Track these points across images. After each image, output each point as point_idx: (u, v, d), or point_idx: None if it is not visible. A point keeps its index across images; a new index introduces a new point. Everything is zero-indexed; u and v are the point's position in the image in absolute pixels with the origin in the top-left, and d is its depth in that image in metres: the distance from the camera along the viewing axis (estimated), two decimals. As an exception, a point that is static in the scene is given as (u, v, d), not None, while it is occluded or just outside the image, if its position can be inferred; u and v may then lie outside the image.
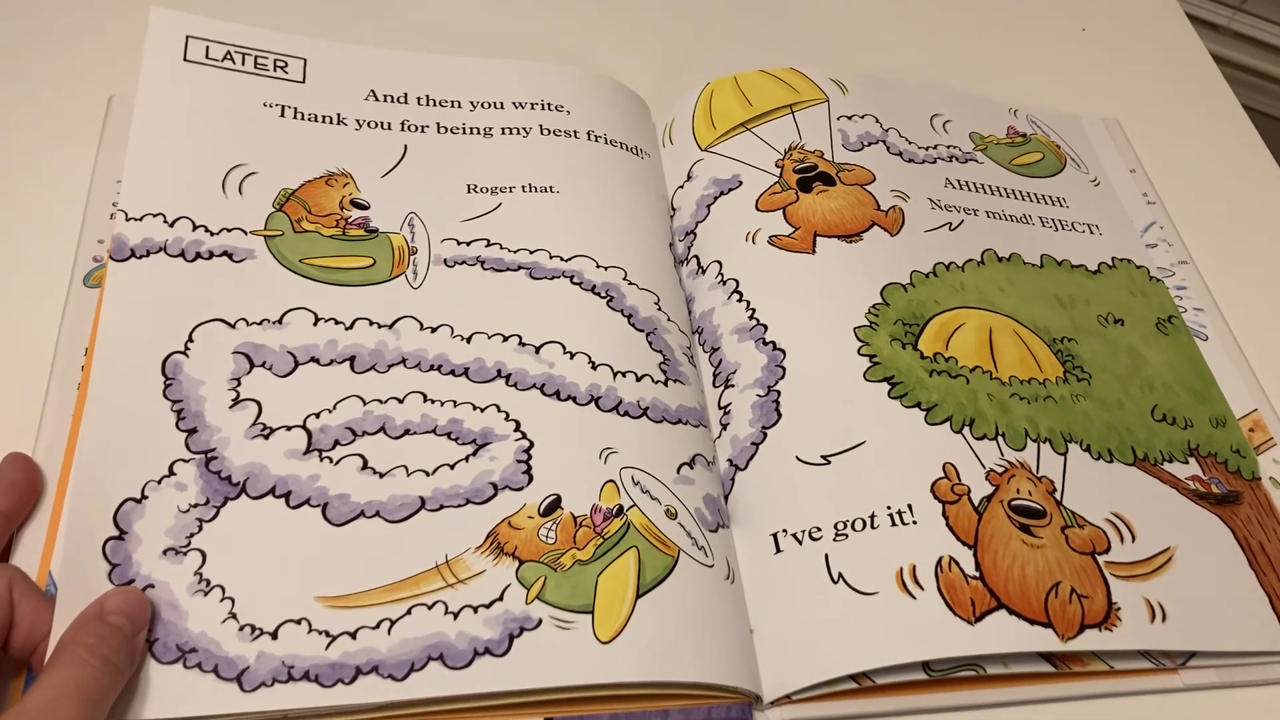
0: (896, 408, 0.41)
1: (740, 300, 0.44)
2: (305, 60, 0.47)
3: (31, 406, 0.38)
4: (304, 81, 0.46)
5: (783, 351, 0.42)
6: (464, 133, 0.47)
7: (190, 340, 0.38)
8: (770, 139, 0.49)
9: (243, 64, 0.45)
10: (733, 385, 0.42)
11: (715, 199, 0.48)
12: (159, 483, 0.35)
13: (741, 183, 0.48)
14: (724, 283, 0.45)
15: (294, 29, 0.48)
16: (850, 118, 0.51)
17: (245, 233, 0.41)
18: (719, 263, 0.45)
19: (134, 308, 0.38)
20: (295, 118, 0.45)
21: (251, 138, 0.44)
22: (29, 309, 0.41)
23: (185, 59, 0.45)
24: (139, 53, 0.43)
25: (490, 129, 0.47)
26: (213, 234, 0.40)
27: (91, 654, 0.30)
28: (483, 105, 0.48)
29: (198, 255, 0.40)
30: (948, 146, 0.52)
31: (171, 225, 0.40)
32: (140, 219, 0.40)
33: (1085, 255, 0.50)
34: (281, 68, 0.46)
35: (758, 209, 0.47)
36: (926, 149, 0.52)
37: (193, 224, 0.40)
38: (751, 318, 0.43)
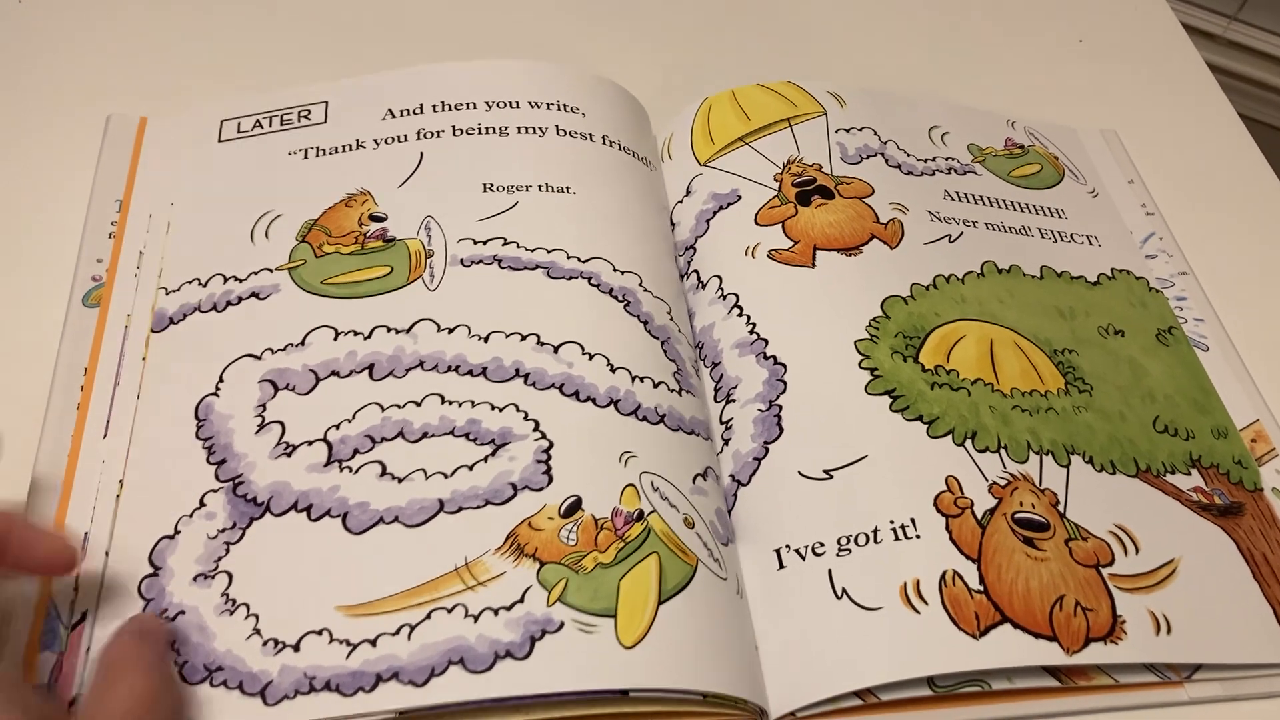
0: (898, 421, 0.41)
1: (741, 315, 0.44)
2: (327, 103, 0.48)
3: (31, 426, 0.38)
4: (326, 122, 0.47)
5: (784, 366, 0.42)
6: (479, 132, 0.47)
7: (221, 381, 0.39)
8: (768, 153, 0.49)
9: (270, 125, 0.47)
10: (734, 400, 0.42)
11: (714, 213, 0.48)
12: (190, 516, 0.36)
13: (740, 197, 0.48)
14: (724, 297, 0.45)
15: (314, 71, 0.49)
16: (848, 130, 0.51)
17: (271, 270, 0.42)
18: (719, 277, 0.45)
19: (172, 369, 0.39)
20: (317, 155, 0.46)
21: (277, 186, 0.45)
22: (28, 328, 0.41)
23: (220, 140, 0.46)
24: (137, 70, 0.43)
25: (506, 128, 0.47)
26: (241, 280, 0.41)
27: (152, 660, 0.31)
28: (498, 105, 0.48)
29: (228, 304, 0.41)
30: (946, 159, 0.52)
31: (205, 285, 0.41)
32: (179, 289, 0.41)
33: (1085, 266, 0.50)
34: (305, 116, 0.47)
35: (757, 223, 0.47)
36: (925, 161, 0.52)
37: (224, 278, 0.42)
38: (752, 332, 0.43)
